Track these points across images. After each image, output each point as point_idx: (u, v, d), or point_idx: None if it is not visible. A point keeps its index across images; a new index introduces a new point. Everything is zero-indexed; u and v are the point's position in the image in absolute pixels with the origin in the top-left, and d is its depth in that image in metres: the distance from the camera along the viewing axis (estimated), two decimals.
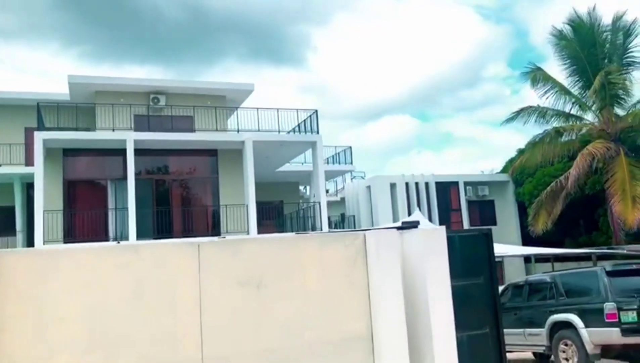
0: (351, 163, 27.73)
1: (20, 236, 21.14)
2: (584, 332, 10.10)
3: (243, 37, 70.20)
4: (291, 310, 5.39)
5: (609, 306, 9.77)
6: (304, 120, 21.32)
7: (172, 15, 62.57)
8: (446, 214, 30.31)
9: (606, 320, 9.82)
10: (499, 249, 22.66)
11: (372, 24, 70.59)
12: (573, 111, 26.61)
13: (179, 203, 19.90)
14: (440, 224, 29.09)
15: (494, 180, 31.62)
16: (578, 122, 26.49)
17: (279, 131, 20.76)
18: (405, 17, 71.67)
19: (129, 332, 4.89)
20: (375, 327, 5.61)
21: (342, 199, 32.38)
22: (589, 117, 26.55)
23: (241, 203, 20.09)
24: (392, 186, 29.03)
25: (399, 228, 6.23)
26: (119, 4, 60.11)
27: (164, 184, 20.04)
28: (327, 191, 34.42)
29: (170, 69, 74.67)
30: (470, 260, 6.96)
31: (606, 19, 25.76)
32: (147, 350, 4.90)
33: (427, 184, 29.73)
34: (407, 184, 29.27)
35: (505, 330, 12.38)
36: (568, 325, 10.44)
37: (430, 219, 29.05)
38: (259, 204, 22.99)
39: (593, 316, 9.99)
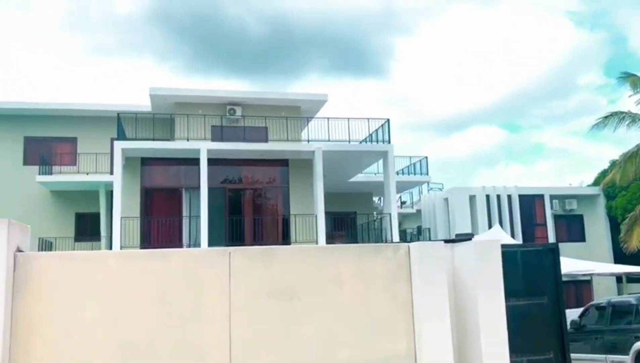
0: (427, 174, 26.93)
1: (103, 241, 22.16)
2: None
3: (326, 49, 70.96)
4: (325, 324, 5.07)
5: None
6: (376, 130, 20.94)
7: (257, 30, 64.36)
8: (530, 229, 28.71)
9: None
10: (586, 266, 21.26)
11: (458, 32, 69.14)
12: None
13: (250, 212, 20.09)
14: (524, 239, 27.57)
15: (582, 193, 29.66)
16: None
17: (349, 141, 20.52)
18: (493, 25, 69.60)
19: (156, 340, 4.76)
20: (419, 347, 5.17)
21: (419, 211, 31.53)
22: None
23: (311, 213, 19.98)
24: (472, 198, 27.91)
25: (447, 241, 5.76)
26: (207, 20, 62.59)
27: (236, 193, 20.33)
28: (403, 203, 33.80)
29: (254, 82, 76.70)
30: (533, 278, 6.34)
31: None
32: (173, 360, 4.75)
33: (509, 196, 28.32)
34: (487, 196, 28.02)
35: (584, 355, 11.46)
36: None
37: (512, 234, 27.65)
38: (331, 215, 22.84)
39: None
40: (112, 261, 4.85)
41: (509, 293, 6.18)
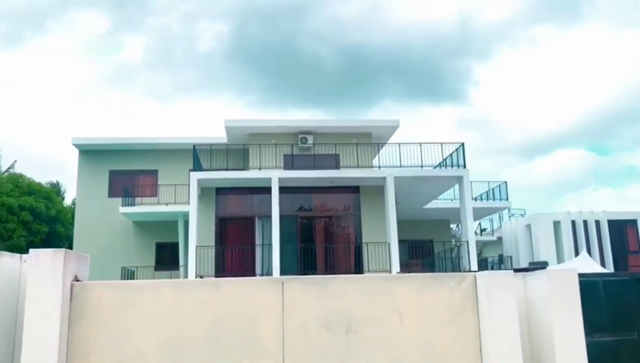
0: (507, 200, 25.80)
1: (182, 270, 22.71)
2: None
3: (401, 76, 70.73)
4: (384, 359, 4.75)
5: None
6: (450, 154, 20.34)
7: (332, 60, 65.29)
8: (623, 256, 26.75)
9: None
10: None
11: (538, 52, 66.89)
12: None
13: (322, 240, 19.94)
14: (616, 268, 25.74)
15: None
16: None
17: (421, 166, 20.04)
18: (576, 44, 66.86)
19: None
20: None
21: (500, 238, 30.26)
22: None
23: (383, 241, 19.56)
24: (556, 224, 26.46)
25: (518, 270, 5.31)
26: (283, 53, 64.26)
27: (308, 221, 20.28)
28: (483, 230, 32.54)
29: (330, 112, 77.56)
30: (620, 311, 5.72)
31: None
32: None
33: (597, 222, 26.60)
34: (573, 222, 26.46)
35: None
36: None
37: (602, 262, 25.90)
38: (406, 243, 22.30)
39: None
40: (166, 290, 4.80)
41: (592, 328, 5.61)
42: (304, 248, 19.59)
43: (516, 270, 5.30)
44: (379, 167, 20.24)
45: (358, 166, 20.86)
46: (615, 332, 5.61)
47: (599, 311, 5.67)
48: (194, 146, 21.01)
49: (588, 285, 5.72)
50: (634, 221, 26.86)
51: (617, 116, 62.77)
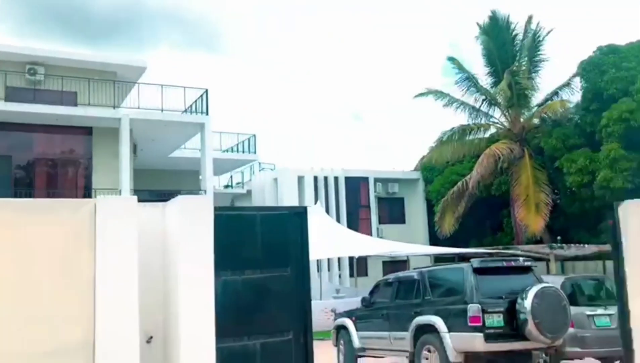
0: (254, 153, 26.08)
1: None
2: (446, 336, 8.73)
3: (178, 25, 67.31)
4: None
5: (473, 309, 8.48)
6: (195, 101, 19.47)
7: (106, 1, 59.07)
8: (355, 210, 29.18)
9: (469, 324, 8.56)
10: (399, 247, 21.87)
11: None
12: (483, 108, 26.06)
13: (43, 185, 17.59)
14: (349, 220, 27.92)
15: (404, 177, 30.80)
16: (486, 120, 25.99)
17: (162, 110, 18.81)
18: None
19: None
20: (98, 335, 3.98)
21: (249, 191, 30.67)
22: (498, 115, 26.11)
23: (117, 189, 18.02)
24: (300, 179, 27.60)
25: (159, 199, 4.64)
26: None
27: (26, 164, 17.65)
28: (237, 184, 32.67)
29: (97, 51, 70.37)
30: (276, 247, 5.46)
31: (521, 20, 25.47)
32: None
33: (336, 178, 28.48)
34: (315, 178, 27.91)
35: (371, 334, 11.18)
36: (432, 328, 9.07)
37: (338, 215, 27.88)
38: (146, 193, 20.93)
39: (457, 320, 8.68)
40: None
41: (245, 264, 5.25)
42: (17, 192, 17.03)
43: (158, 200, 4.63)
44: (114, 107, 18.43)
45: (90, 105, 18.70)
46: (268, 268, 5.33)
47: (254, 247, 5.32)
48: None
49: (246, 219, 5.34)
50: (366, 179, 29.41)
51: None
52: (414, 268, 10.85)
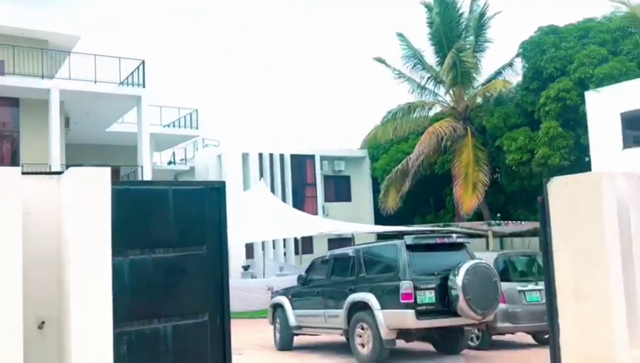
0: (197, 128, 25.36)
1: None
2: (379, 314, 8.67)
3: None
4: None
5: (405, 285, 8.42)
6: (132, 72, 18.60)
7: None
8: (301, 188, 28.90)
9: (401, 301, 8.36)
10: (342, 227, 21.80)
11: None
12: (429, 86, 26.14)
13: None
14: (295, 199, 27.66)
15: (351, 155, 30.69)
16: (431, 98, 26.11)
17: (95, 82, 17.90)
18: None
19: None
20: None
21: (192, 168, 29.92)
22: (443, 94, 26.26)
23: (47, 164, 17.10)
24: (245, 156, 27.03)
25: (55, 172, 4.22)
26: None
27: None
28: (181, 160, 31.84)
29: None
30: (190, 223, 5.11)
31: None
32: None
33: (282, 156, 28.09)
34: (260, 155, 27.44)
35: (306, 312, 10.99)
36: (366, 306, 8.87)
37: (283, 193, 27.56)
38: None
39: (390, 297, 8.61)
40: None
41: (156, 243, 4.90)
42: None
43: (53, 173, 4.22)
44: (42, 77, 17.39)
45: (18, 74, 17.56)
46: (181, 246, 4.99)
47: (166, 224, 4.96)
48: None
49: (157, 194, 4.97)
50: (313, 157, 29.15)
51: None
52: (354, 246, 10.74)
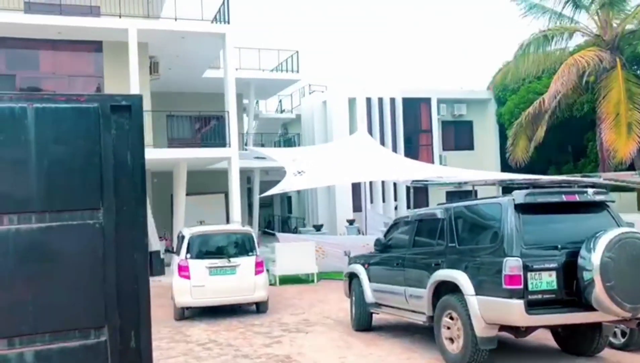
0: (297, 71, 23.37)
1: None
2: (473, 301, 6.13)
3: None
4: None
5: (511, 264, 5.73)
6: (219, 9, 16.81)
7: None
8: (415, 136, 25.98)
9: (505, 286, 5.80)
10: (462, 174, 18.83)
11: None
12: (566, 12, 21.59)
13: None
14: (406, 147, 24.95)
15: (473, 97, 26.91)
16: (571, 24, 21.56)
17: (175, 19, 16.37)
18: None
19: None
20: None
21: (299, 116, 28.21)
22: (584, 20, 21.60)
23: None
24: (351, 102, 24.64)
25: None
26: None
27: (30, 84, 15.95)
28: (283, 110, 30.30)
29: None
30: (72, 172, 3.02)
31: None
32: None
33: (392, 100, 25.27)
34: (369, 99, 24.85)
35: (385, 287, 7.94)
36: (455, 287, 6.46)
37: (394, 141, 24.93)
38: (167, 115, 19.08)
39: (488, 278, 6.08)
40: None
41: (11, 205, 2.85)
42: None
43: None
44: (120, 16, 16.15)
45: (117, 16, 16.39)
46: (59, 211, 2.95)
47: (25, 172, 2.92)
48: None
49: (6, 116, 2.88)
50: (428, 100, 25.99)
51: None
52: (439, 204, 8.11)
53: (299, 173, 15.31)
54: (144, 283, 2.96)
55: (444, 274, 6.77)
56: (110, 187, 2.89)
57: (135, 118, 2.97)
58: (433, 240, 7.36)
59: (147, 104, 16.21)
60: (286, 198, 29.80)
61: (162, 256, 16.93)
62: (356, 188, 22.62)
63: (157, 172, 19.50)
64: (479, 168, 23.39)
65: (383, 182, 23.51)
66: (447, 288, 6.76)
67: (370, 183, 22.34)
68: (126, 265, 2.92)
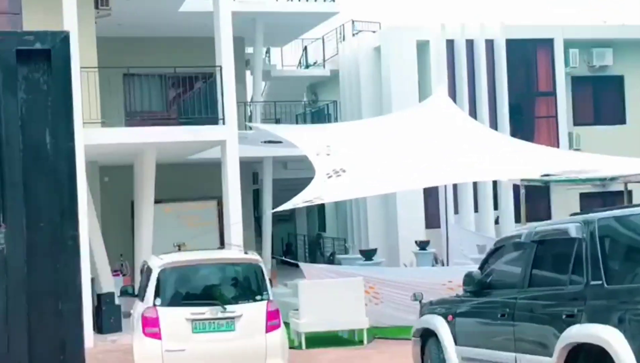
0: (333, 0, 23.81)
1: None
2: None
3: None
4: None
5: None
6: None
7: None
8: (527, 101, 26.87)
9: None
10: (608, 164, 18.72)
11: None
12: None
13: None
14: (513, 121, 25.49)
15: (625, 37, 27.18)
16: None
17: None
18: None
19: None
20: None
21: (335, 73, 28.51)
22: None
23: None
24: (422, 46, 24.92)
25: None
26: None
27: None
28: (311, 64, 30.68)
29: None
30: None
31: None
32: None
33: (489, 43, 25.35)
34: (450, 42, 25.00)
35: (481, 353, 8.91)
36: (602, 354, 6.67)
37: (493, 109, 25.04)
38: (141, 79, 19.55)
39: None
40: None
41: None
42: None
43: None
44: None
45: None
46: None
47: None
48: None
49: None
50: (550, 42, 26.03)
51: None
52: (572, 214, 8.20)
53: (336, 173, 15.47)
54: (76, 354, 2.89)
55: (584, 332, 6.96)
56: (16, 190, 2.82)
57: (59, 73, 2.89)
58: (564, 276, 7.64)
59: (89, 55, 16.70)
60: (316, 208, 30.09)
61: (117, 301, 17.19)
62: (431, 191, 22.78)
63: (109, 166, 19.92)
64: (635, 154, 23.33)
65: (475, 182, 23.60)
66: (589, 356, 6.96)
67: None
68: (45, 324, 2.85)
